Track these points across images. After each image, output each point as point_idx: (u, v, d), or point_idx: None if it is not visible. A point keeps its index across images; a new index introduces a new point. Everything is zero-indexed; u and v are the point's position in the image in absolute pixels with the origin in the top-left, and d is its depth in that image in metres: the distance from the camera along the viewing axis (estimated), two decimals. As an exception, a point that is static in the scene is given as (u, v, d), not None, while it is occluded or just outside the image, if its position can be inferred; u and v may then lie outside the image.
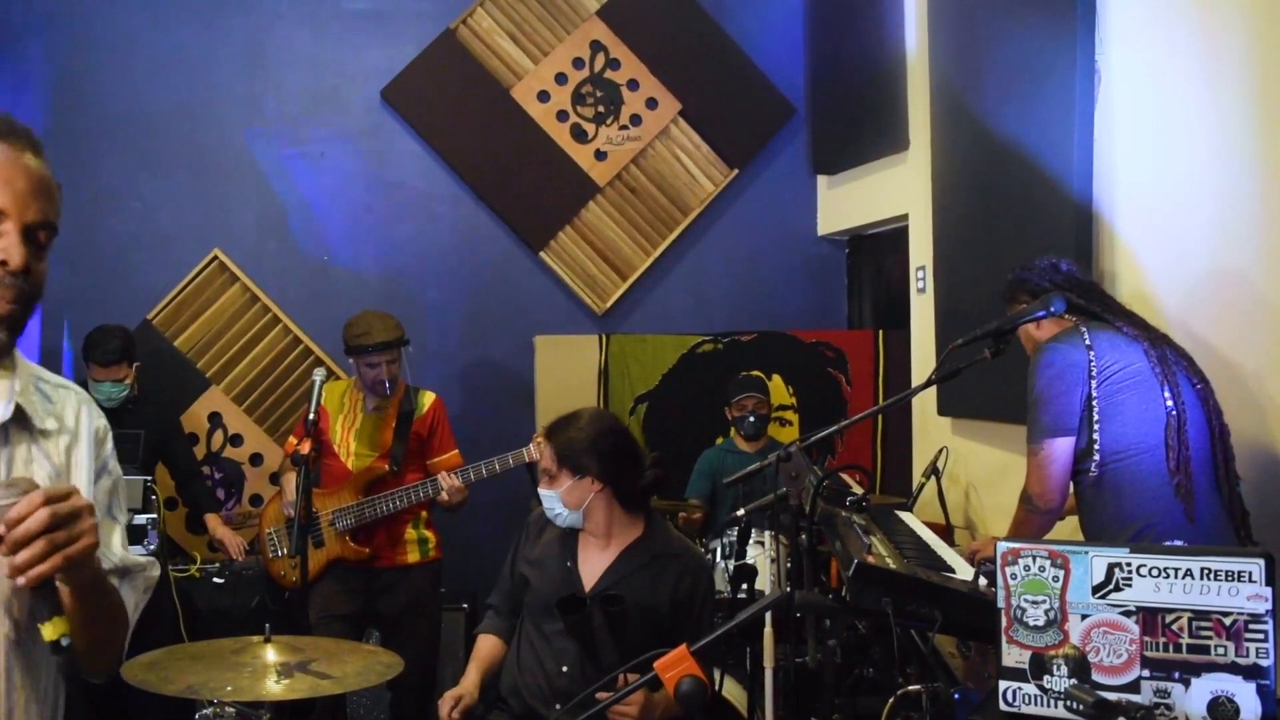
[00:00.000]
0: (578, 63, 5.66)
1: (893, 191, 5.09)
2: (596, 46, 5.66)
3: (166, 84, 5.35)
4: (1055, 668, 1.66)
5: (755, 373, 5.12)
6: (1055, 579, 1.67)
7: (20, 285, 1.39)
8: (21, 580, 1.29)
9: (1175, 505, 2.65)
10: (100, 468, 1.59)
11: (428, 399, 4.24)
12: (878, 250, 5.70)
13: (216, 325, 5.30)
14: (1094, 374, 2.72)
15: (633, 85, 5.68)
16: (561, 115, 5.63)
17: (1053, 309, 2.69)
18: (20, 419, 1.46)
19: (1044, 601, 1.67)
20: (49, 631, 1.33)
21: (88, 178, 5.25)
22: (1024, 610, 1.68)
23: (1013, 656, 1.69)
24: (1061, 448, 2.74)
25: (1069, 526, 3.21)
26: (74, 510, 1.33)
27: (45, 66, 5.28)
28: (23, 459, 1.45)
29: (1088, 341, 2.76)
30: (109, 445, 1.61)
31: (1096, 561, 1.65)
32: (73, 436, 1.54)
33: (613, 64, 5.67)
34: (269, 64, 5.45)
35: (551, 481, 2.83)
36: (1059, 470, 2.75)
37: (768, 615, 2.24)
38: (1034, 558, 1.69)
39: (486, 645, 3.01)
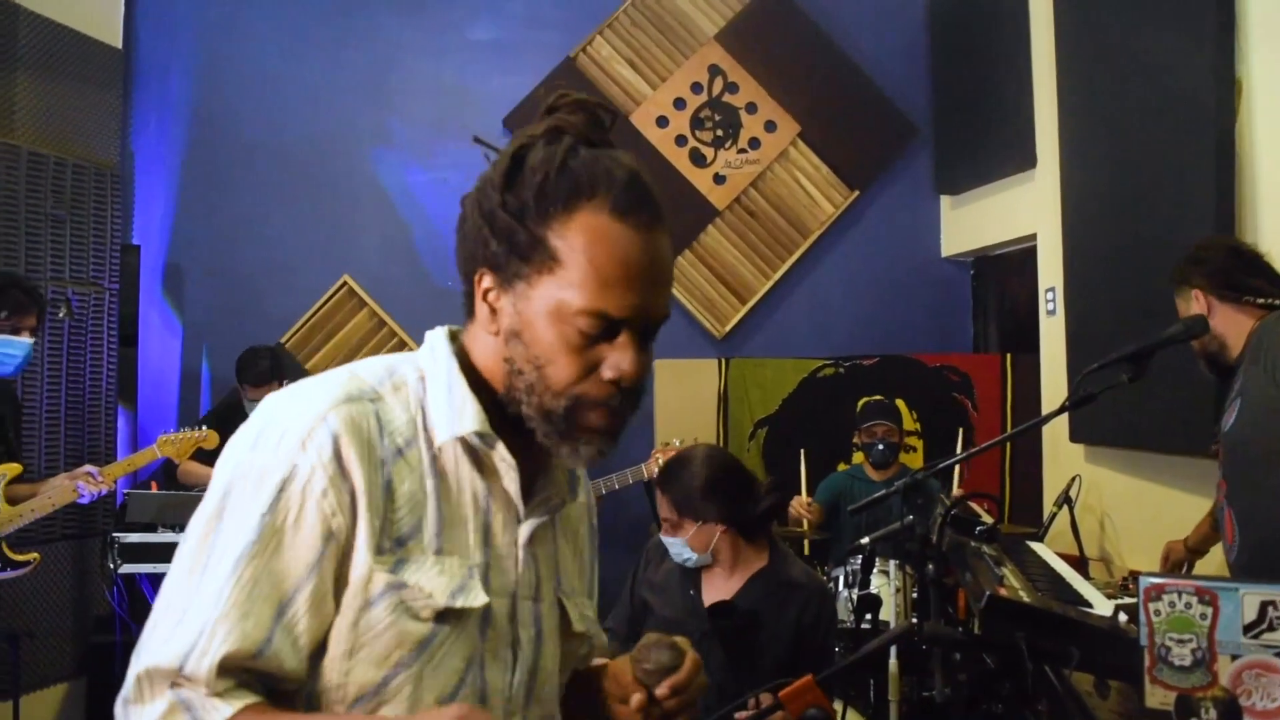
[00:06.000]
0: (696, 87, 5.68)
1: (1020, 210, 4.96)
2: (714, 70, 5.67)
3: (297, 115, 5.55)
4: (1203, 710, 1.57)
5: (884, 398, 4.99)
6: (1203, 617, 1.58)
7: (632, 401, 1.20)
8: None
9: None
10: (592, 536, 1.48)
11: None
12: (1004, 271, 5.56)
13: (346, 349, 5.46)
14: None
15: (751, 108, 5.67)
16: (680, 140, 5.65)
17: (1194, 331, 2.58)
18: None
19: (1191, 640, 1.58)
20: None
21: (225, 206, 5.48)
22: (1169, 649, 1.60)
23: (1157, 697, 1.60)
24: None
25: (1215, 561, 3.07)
26: (702, 679, 1.32)
27: (186, 100, 5.54)
28: (563, 534, 1.36)
29: None
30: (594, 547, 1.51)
31: (1248, 599, 1.56)
32: (584, 523, 1.45)
33: (731, 88, 5.67)
34: (394, 94, 5.61)
35: (675, 530, 2.81)
36: None
37: (893, 647, 2.19)
38: (1179, 594, 1.60)
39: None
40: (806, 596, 2.80)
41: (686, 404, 5.26)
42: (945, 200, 5.74)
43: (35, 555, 3.81)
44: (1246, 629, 1.56)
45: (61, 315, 4.52)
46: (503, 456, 1.19)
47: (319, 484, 1.10)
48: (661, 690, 1.27)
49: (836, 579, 3.74)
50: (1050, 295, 4.69)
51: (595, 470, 4.37)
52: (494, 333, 1.19)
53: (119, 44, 5.14)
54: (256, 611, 1.07)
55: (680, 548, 2.80)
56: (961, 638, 1.99)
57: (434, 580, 1.14)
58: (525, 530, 1.23)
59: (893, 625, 3.44)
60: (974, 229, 5.47)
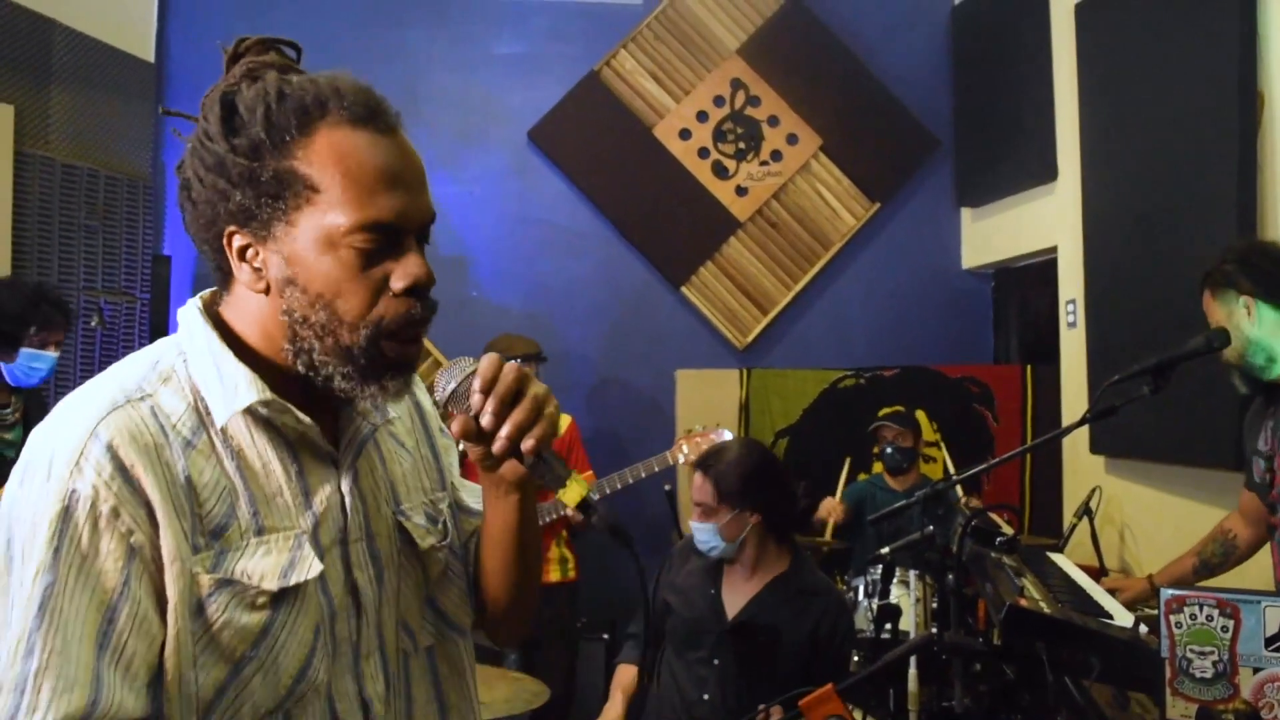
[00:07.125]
0: (718, 100, 5.71)
1: (1041, 223, 4.97)
2: (737, 84, 5.70)
3: (326, 128, 5.60)
4: (1224, 722, 1.59)
5: (904, 409, 5.00)
6: (1224, 629, 1.60)
7: (431, 307, 1.23)
8: (528, 444, 1.16)
9: None
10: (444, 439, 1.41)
11: (564, 421, 4.41)
12: (1025, 283, 5.56)
13: (370, 358, 5.51)
14: None
15: (773, 121, 5.70)
16: (703, 152, 5.68)
17: (1215, 344, 2.59)
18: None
19: (1212, 653, 1.60)
20: (573, 493, 1.18)
21: (253, 218, 5.54)
22: (1190, 661, 1.62)
23: (1178, 709, 1.62)
24: None
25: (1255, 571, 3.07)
26: (526, 372, 1.20)
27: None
28: (391, 453, 1.29)
29: None
30: (438, 423, 1.42)
31: (1270, 612, 1.58)
32: (411, 413, 1.38)
33: (753, 101, 5.70)
34: (422, 106, 5.66)
35: (709, 515, 2.82)
36: None
37: (913, 657, 2.21)
38: (1200, 606, 1.62)
39: (628, 674, 3.03)
40: (824, 606, 2.82)
41: (708, 413, 5.26)
42: (966, 212, 5.75)
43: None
44: (1268, 642, 1.57)
45: (94, 324, 4.59)
46: (298, 418, 1.13)
47: (106, 504, 1.01)
48: (474, 400, 1.16)
49: (857, 588, 3.75)
50: (1071, 307, 4.70)
51: (617, 463, 4.39)
52: (262, 290, 1.12)
53: (151, 58, 5.22)
54: (75, 654, 0.98)
55: (710, 534, 2.81)
56: (981, 648, 2.01)
57: (261, 563, 1.08)
58: (347, 480, 1.18)
59: (913, 635, 3.45)
60: (995, 241, 5.48)
